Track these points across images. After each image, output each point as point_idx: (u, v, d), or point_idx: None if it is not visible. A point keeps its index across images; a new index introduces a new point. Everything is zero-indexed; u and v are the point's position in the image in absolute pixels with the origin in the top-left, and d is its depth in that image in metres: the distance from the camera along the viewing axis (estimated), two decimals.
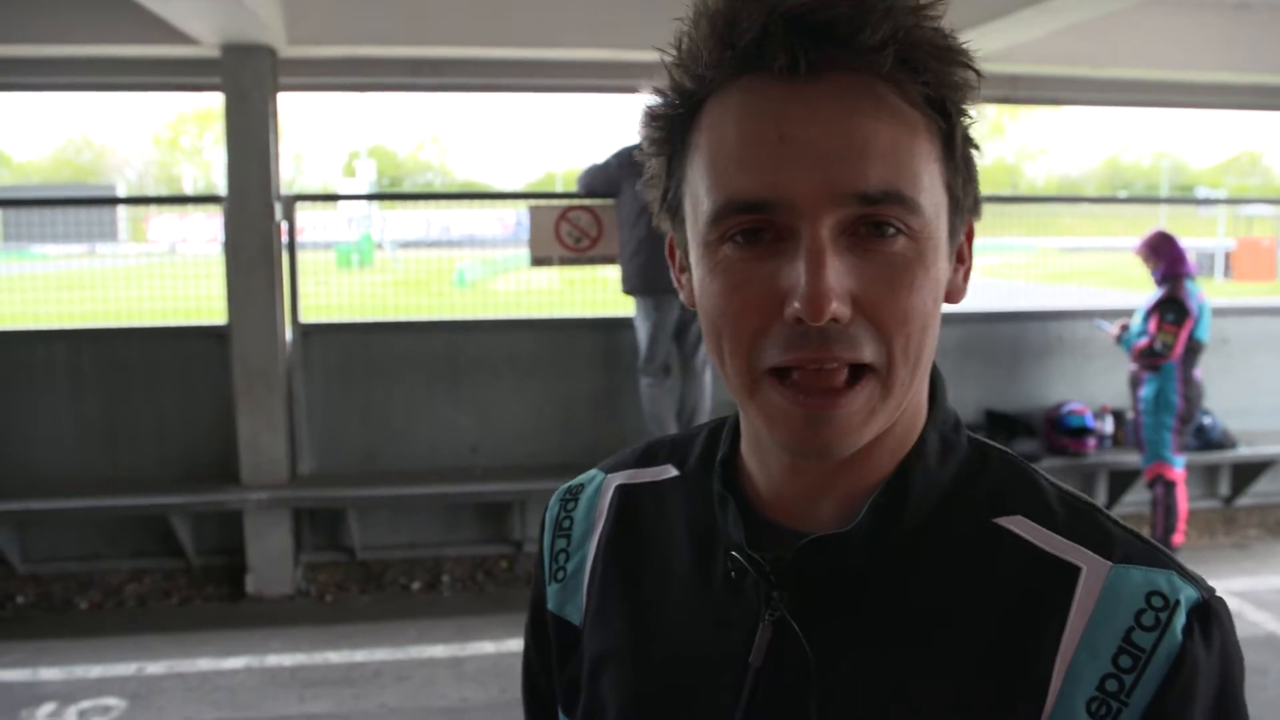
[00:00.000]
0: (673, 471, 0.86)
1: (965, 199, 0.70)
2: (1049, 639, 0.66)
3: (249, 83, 5.03)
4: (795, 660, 0.70)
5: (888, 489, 0.71)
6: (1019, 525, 0.70)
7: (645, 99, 0.72)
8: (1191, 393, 5.29)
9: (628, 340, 5.39)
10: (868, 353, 0.65)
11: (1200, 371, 5.33)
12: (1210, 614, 0.66)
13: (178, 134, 59.96)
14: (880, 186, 0.63)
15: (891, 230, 0.64)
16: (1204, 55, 5.84)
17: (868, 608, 0.70)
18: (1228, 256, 17.05)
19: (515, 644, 4.56)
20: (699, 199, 0.68)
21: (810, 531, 0.72)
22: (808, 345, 0.64)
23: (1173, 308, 5.15)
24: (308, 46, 5.15)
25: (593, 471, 0.92)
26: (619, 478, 0.89)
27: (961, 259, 0.73)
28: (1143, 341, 5.23)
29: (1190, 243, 5.56)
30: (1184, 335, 5.14)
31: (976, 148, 0.70)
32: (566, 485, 0.92)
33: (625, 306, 5.44)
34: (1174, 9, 5.68)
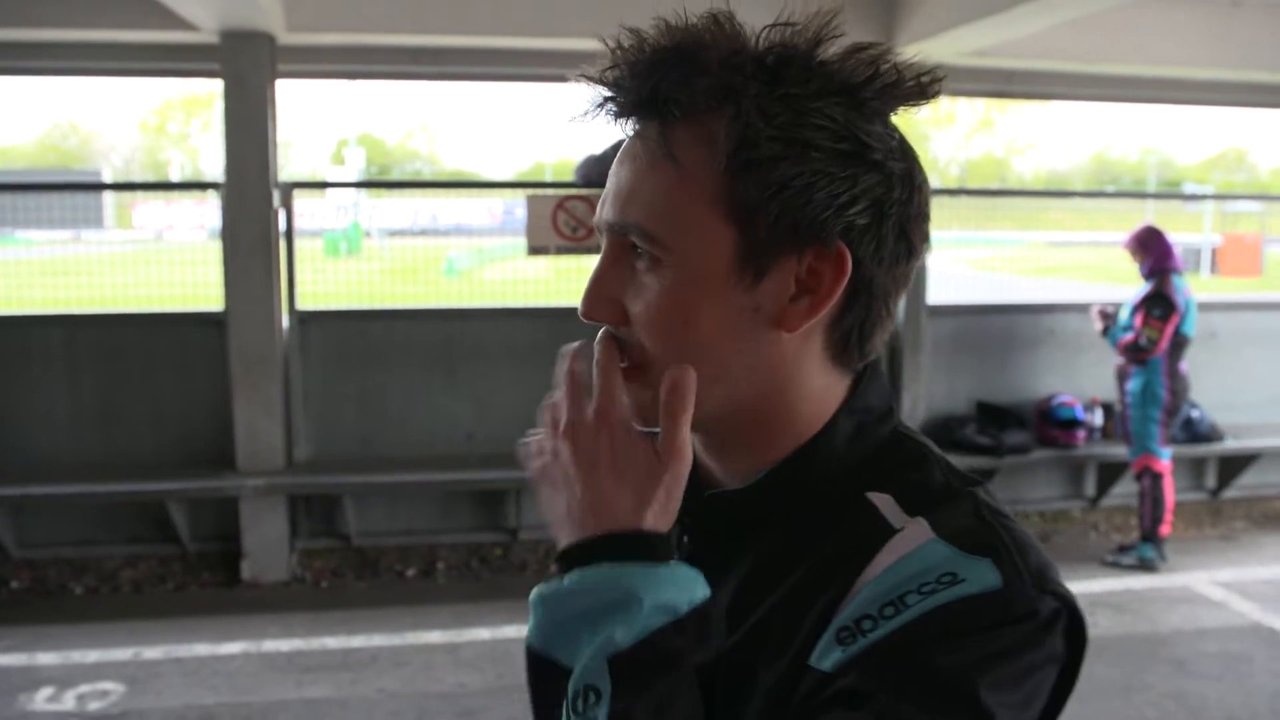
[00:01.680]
0: None
1: (772, 232, 0.74)
2: (849, 581, 0.73)
3: (248, 69, 5.02)
4: None
5: (787, 461, 0.80)
6: (882, 501, 0.77)
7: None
8: (1177, 386, 5.34)
9: None
10: (633, 354, 0.78)
11: (1186, 365, 5.39)
12: (996, 603, 0.69)
13: (165, 120, 59.50)
14: (625, 218, 0.77)
15: (645, 257, 0.76)
16: (1198, 52, 5.89)
17: (745, 553, 0.81)
18: (1214, 252, 17.17)
19: (511, 630, 4.57)
20: None
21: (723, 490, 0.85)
22: (600, 338, 0.79)
23: (1159, 303, 5.20)
24: (307, 33, 5.14)
25: None
26: None
27: (810, 288, 0.76)
28: (1128, 336, 5.28)
29: (1177, 238, 5.60)
30: (1169, 330, 5.20)
31: (787, 181, 0.73)
32: None
33: None
34: (1169, 5, 5.72)
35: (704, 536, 0.84)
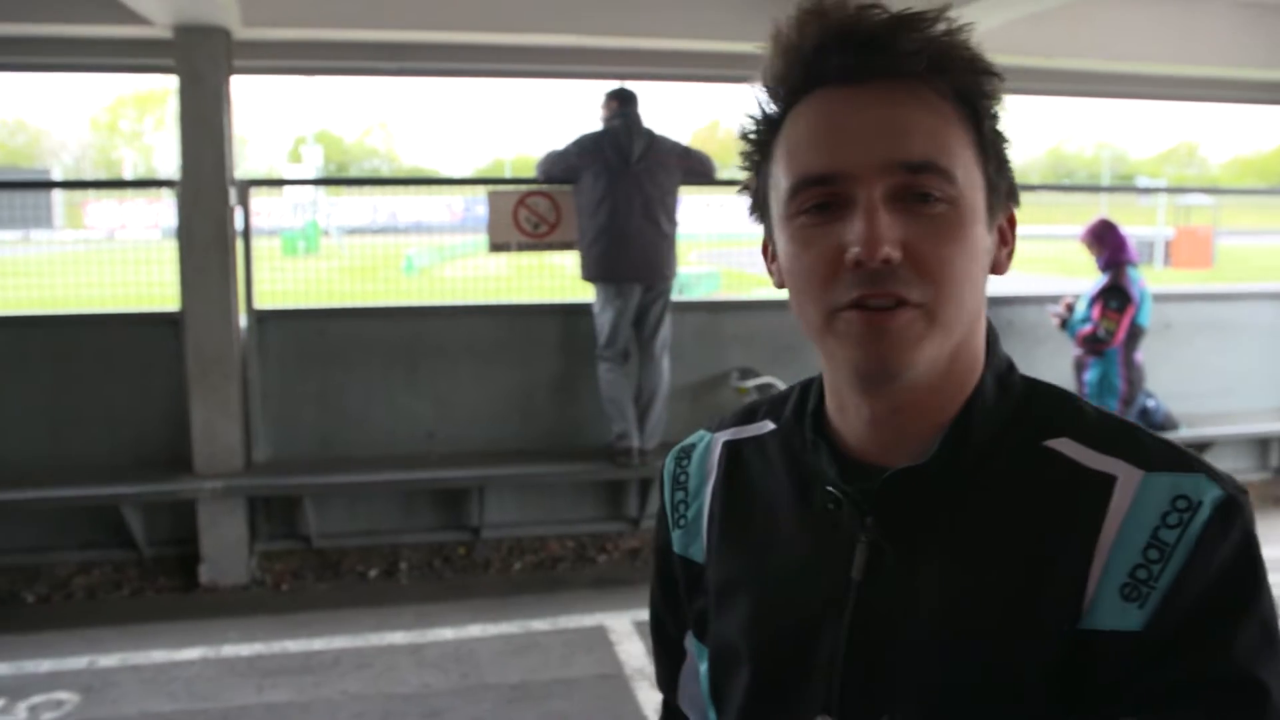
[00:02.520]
0: (770, 426, 0.99)
1: (999, 183, 0.85)
2: (1088, 539, 0.77)
3: (203, 65, 4.93)
4: (887, 573, 0.84)
5: (955, 426, 0.84)
6: (1064, 446, 0.82)
7: (741, 118, 0.88)
8: (1133, 375, 5.44)
9: (586, 326, 5.39)
10: (915, 293, 0.78)
11: (1141, 355, 5.48)
12: (1229, 509, 0.76)
13: (116, 117, 58.48)
14: (921, 157, 0.79)
15: (933, 197, 0.79)
16: (1156, 46, 5.95)
17: (942, 525, 0.83)
18: (1167, 245, 17.45)
19: (476, 630, 4.52)
20: (779, 185, 0.84)
21: (891, 468, 0.85)
22: (866, 284, 0.78)
23: (1115, 295, 5.28)
24: (263, 29, 5.06)
25: (700, 433, 1.06)
26: (725, 435, 1.03)
27: (1005, 240, 0.88)
28: (1087, 328, 5.35)
29: (1131, 231, 5.68)
30: (1126, 322, 5.28)
31: (1005, 140, 0.86)
32: (679, 446, 1.07)
33: (582, 292, 5.45)
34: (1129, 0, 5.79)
35: (891, 517, 0.84)
